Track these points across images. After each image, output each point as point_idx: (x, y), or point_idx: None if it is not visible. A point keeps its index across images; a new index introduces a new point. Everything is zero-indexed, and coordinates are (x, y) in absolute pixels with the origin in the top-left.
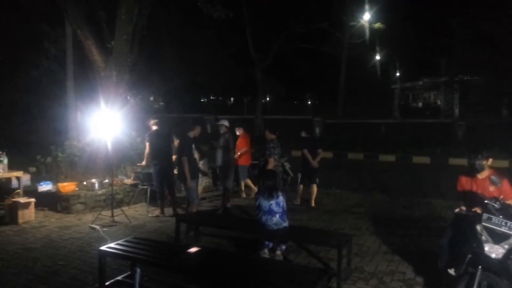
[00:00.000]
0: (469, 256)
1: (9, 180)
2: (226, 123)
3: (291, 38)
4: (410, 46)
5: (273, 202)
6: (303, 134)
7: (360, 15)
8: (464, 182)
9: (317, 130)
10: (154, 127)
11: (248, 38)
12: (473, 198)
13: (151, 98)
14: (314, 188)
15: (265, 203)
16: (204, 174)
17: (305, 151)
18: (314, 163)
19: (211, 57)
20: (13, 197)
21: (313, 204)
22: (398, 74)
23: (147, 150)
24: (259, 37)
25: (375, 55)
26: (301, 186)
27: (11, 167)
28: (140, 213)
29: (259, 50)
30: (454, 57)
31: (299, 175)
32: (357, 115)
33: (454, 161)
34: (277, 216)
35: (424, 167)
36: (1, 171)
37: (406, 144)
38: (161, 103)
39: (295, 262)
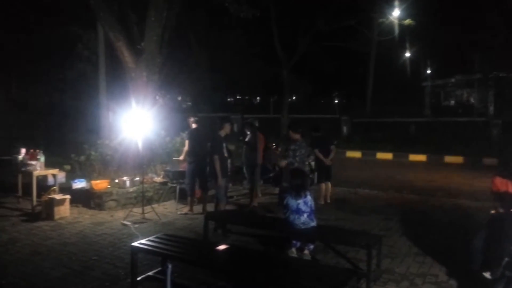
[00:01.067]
0: (506, 259)
1: (45, 177)
2: (253, 120)
3: (318, 36)
4: (442, 42)
5: (301, 201)
6: (314, 134)
7: (389, 11)
8: (499, 183)
9: (345, 129)
10: (194, 125)
11: (274, 37)
12: (509, 199)
13: (179, 98)
14: (329, 185)
15: (292, 202)
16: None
17: (316, 150)
18: (327, 161)
19: (237, 56)
20: (49, 194)
21: (328, 200)
22: (429, 71)
23: (186, 147)
24: (286, 36)
25: (405, 52)
26: (322, 185)
27: (48, 165)
28: (170, 210)
29: (285, 49)
30: (489, 53)
31: (316, 175)
32: (386, 114)
33: (488, 161)
34: (305, 215)
35: (457, 167)
36: (38, 168)
37: (437, 143)
38: (189, 103)
39: (323, 262)
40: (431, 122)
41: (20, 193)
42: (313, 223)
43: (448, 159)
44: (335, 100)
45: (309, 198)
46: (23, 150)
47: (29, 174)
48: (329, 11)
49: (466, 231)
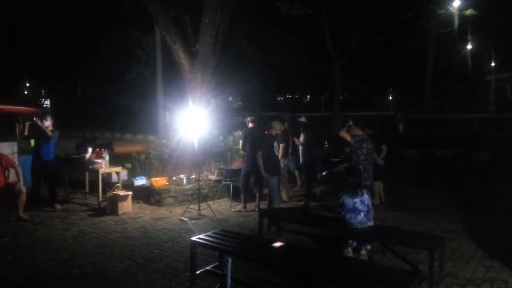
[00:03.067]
0: None
1: (109, 174)
2: (303, 119)
3: (371, 31)
4: (508, 33)
5: (357, 200)
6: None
7: (448, 1)
8: None
9: (400, 127)
10: (251, 125)
11: (325, 33)
12: None
13: (230, 98)
14: (381, 184)
15: (349, 201)
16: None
17: None
18: (380, 161)
19: (287, 55)
20: (113, 190)
21: (383, 200)
22: (493, 64)
23: (240, 146)
24: (337, 32)
25: (466, 45)
26: (376, 183)
27: (111, 163)
28: (224, 207)
29: (337, 46)
30: None
31: None
32: (446, 110)
33: None
34: (362, 214)
35: None
36: (104, 166)
37: (504, 141)
38: (239, 103)
39: (381, 263)
40: (496, 119)
41: (87, 189)
42: (370, 223)
43: None
44: (389, 97)
45: (366, 196)
46: (90, 149)
47: (95, 172)
48: (384, 4)
49: None
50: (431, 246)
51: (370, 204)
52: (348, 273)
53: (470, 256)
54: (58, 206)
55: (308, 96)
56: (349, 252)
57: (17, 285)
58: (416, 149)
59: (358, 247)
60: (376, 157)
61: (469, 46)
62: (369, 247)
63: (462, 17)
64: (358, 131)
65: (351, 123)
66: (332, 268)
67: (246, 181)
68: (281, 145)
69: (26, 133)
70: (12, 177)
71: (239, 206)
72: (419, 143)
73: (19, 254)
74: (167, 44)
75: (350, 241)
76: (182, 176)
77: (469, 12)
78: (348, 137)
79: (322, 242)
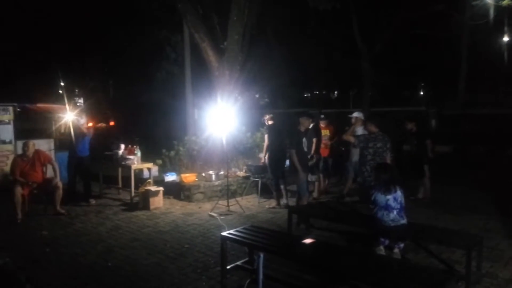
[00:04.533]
0: None
1: (141, 170)
2: (358, 114)
3: (401, 25)
4: None
5: (390, 197)
6: (409, 126)
7: None
8: None
9: (433, 122)
10: (270, 122)
11: (354, 28)
12: None
13: (257, 95)
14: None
15: (381, 198)
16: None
17: (429, 141)
18: (430, 155)
19: (314, 50)
20: (145, 186)
21: (420, 196)
22: None
23: (266, 142)
24: (366, 26)
25: (502, 37)
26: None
27: (143, 159)
28: (252, 203)
29: (366, 40)
30: None
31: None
32: (480, 105)
33: None
34: (395, 212)
35: None
36: (136, 163)
37: None
38: (266, 99)
39: (414, 262)
40: None
41: (120, 185)
42: (403, 221)
43: None
44: (420, 92)
45: (399, 193)
46: (123, 146)
47: (128, 168)
48: None
49: None
50: (468, 245)
51: (403, 201)
52: (381, 271)
53: (509, 256)
54: (92, 201)
55: (336, 92)
56: (381, 250)
57: (56, 276)
58: (449, 145)
59: (390, 245)
60: (429, 151)
61: (506, 39)
62: (402, 245)
63: (498, 8)
64: (371, 127)
65: (353, 121)
66: (364, 266)
67: (276, 177)
68: (314, 140)
69: (62, 130)
70: (49, 173)
71: (273, 203)
72: (452, 139)
73: (57, 246)
74: (196, 42)
75: (382, 239)
76: (211, 172)
77: (506, 2)
78: (352, 139)
79: (353, 240)
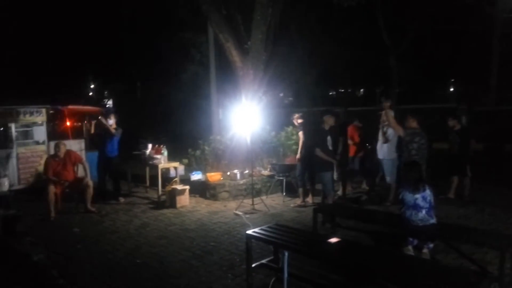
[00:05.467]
0: None
1: (168, 170)
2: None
3: (429, 19)
4: None
5: (419, 196)
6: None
7: None
8: None
9: (463, 119)
10: (300, 120)
11: (380, 23)
12: None
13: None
14: (456, 179)
15: (409, 197)
16: None
17: (473, 140)
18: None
19: (339, 47)
20: (172, 185)
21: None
22: None
23: (300, 140)
24: (393, 22)
25: None
26: (455, 178)
27: (169, 158)
28: (277, 202)
29: (392, 36)
30: None
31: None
32: None
33: None
34: (424, 211)
35: None
36: (163, 162)
37: None
38: (290, 98)
39: (444, 263)
40: None
41: (148, 183)
42: (433, 220)
43: None
44: (450, 88)
45: (428, 192)
46: (150, 146)
47: (155, 167)
48: None
49: None
50: (502, 246)
51: (432, 200)
52: (410, 272)
53: None
54: (121, 199)
55: (362, 90)
56: (410, 250)
57: (87, 273)
58: (481, 143)
59: (419, 245)
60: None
61: None
62: (431, 245)
63: None
64: (413, 123)
65: (383, 119)
66: (392, 266)
67: (303, 176)
68: (340, 139)
69: (92, 131)
70: (80, 172)
71: (298, 201)
72: (485, 137)
73: (87, 243)
74: (220, 43)
75: (411, 239)
76: (236, 171)
77: None
78: (401, 131)
79: (380, 240)
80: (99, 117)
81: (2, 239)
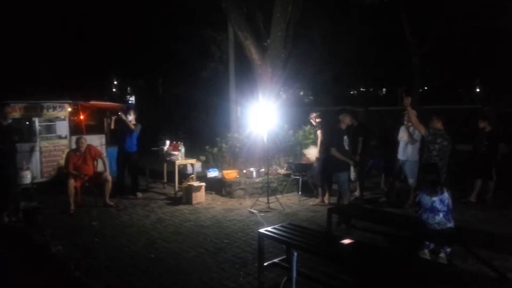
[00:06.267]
0: None
1: (185, 166)
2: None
3: (455, 16)
4: None
5: (436, 199)
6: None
7: None
8: None
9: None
10: (318, 120)
11: (403, 21)
12: None
13: (301, 93)
14: (479, 182)
15: (426, 200)
16: None
17: (503, 145)
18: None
19: (360, 46)
20: (188, 181)
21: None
22: None
23: (319, 139)
24: (417, 19)
25: None
26: (478, 180)
27: (187, 155)
28: (293, 201)
29: (416, 34)
30: None
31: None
32: None
33: None
34: (441, 215)
35: None
36: (180, 158)
37: None
38: (310, 97)
39: (462, 268)
40: None
41: (165, 179)
42: (450, 224)
43: None
44: (476, 89)
45: (446, 195)
46: (168, 142)
47: (172, 163)
48: None
49: None
50: None
51: (451, 203)
52: (426, 276)
53: None
54: (139, 195)
55: (384, 89)
56: (426, 254)
57: (103, 265)
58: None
59: (436, 249)
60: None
61: None
62: (448, 250)
63: None
64: (438, 124)
65: (406, 119)
66: (407, 269)
67: (322, 176)
68: (360, 139)
69: (112, 126)
70: (100, 167)
71: (317, 200)
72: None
73: (104, 236)
74: (239, 40)
75: (427, 243)
76: (252, 169)
77: None
78: (423, 130)
79: (396, 242)
80: (119, 113)
81: (24, 230)
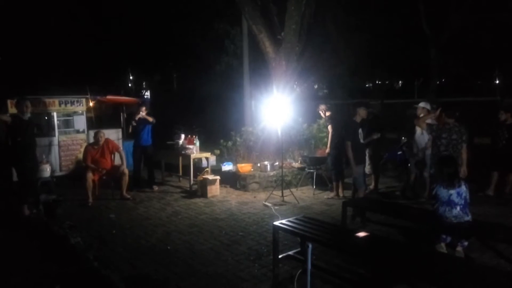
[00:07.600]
0: None
1: (200, 160)
2: (424, 105)
3: (474, 7)
4: None
5: (453, 192)
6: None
7: None
8: None
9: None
10: (328, 113)
11: (420, 12)
12: None
13: (316, 86)
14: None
15: (444, 193)
16: None
17: None
18: None
19: (376, 38)
20: (203, 175)
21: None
22: None
23: (330, 133)
24: (434, 10)
25: None
26: (495, 173)
27: (202, 149)
28: (307, 195)
29: (433, 25)
30: None
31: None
32: None
33: None
34: (458, 208)
35: None
36: (195, 152)
37: None
38: (325, 90)
39: (479, 262)
40: None
41: (180, 173)
42: (468, 217)
43: None
44: (495, 81)
45: (463, 188)
46: (183, 136)
47: (187, 157)
48: None
49: None
50: None
51: (468, 196)
52: (442, 270)
53: None
54: (155, 188)
55: (400, 82)
56: (443, 247)
57: (121, 256)
58: None
59: (452, 243)
60: None
61: None
62: (466, 243)
63: None
64: (445, 119)
65: (419, 112)
66: (423, 263)
67: (337, 169)
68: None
69: (134, 123)
70: (117, 161)
71: (332, 194)
72: None
73: (122, 228)
74: (253, 34)
75: (444, 236)
76: (266, 163)
77: None
78: (423, 126)
79: (412, 236)
80: (141, 113)
81: (44, 222)
